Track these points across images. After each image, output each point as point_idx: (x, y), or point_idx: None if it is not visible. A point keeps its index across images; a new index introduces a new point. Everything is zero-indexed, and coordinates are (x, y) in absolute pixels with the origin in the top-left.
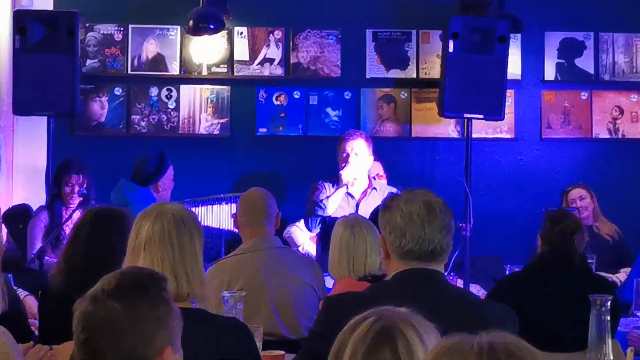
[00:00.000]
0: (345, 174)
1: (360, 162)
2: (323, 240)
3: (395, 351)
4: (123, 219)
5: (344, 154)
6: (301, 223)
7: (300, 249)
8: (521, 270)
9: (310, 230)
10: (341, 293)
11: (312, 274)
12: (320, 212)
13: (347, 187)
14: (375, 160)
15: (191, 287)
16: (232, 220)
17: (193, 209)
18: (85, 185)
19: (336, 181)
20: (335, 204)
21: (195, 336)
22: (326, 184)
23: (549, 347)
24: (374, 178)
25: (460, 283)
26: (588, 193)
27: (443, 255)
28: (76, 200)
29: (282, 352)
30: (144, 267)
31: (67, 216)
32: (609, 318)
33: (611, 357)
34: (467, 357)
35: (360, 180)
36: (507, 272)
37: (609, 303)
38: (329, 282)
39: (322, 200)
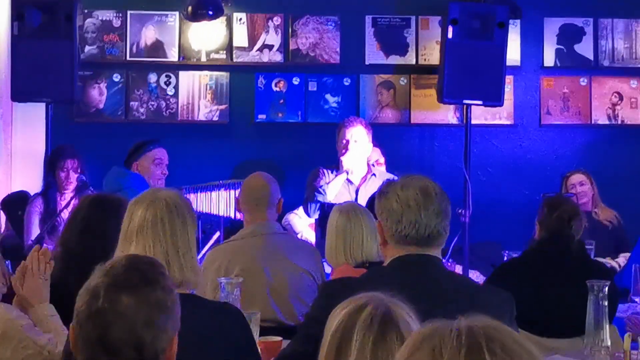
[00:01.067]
0: (346, 161)
1: (359, 149)
2: (322, 227)
3: (401, 336)
4: (119, 205)
5: (344, 141)
6: (299, 211)
7: (299, 236)
8: (519, 256)
9: (309, 215)
10: (337, 279)
11: (311, 261)
12: (320, 198)
13: (348, 173)
14: (374, 146)
15: (184, 275)
16: (235, 204)
17: (191, 196)
18: (79, 170)
19: (336, 168)
20: (335, 190)
21: (190, 322)
22: (326, 171)
23: (546, 332)
24: (373, 165)
25: (459, 269)
26: (588, 179)
27: (440, 240)
28: (72, 185)
29: (280, 338)
30: (142, 255)
31: (63, 202)
32: (606, 304)
33: (608, 343)
34: (446, 342)
35: (359, 166)
36: (505, 258)
37: (606, 289)
38: (328, 269)
39: (322, 186)
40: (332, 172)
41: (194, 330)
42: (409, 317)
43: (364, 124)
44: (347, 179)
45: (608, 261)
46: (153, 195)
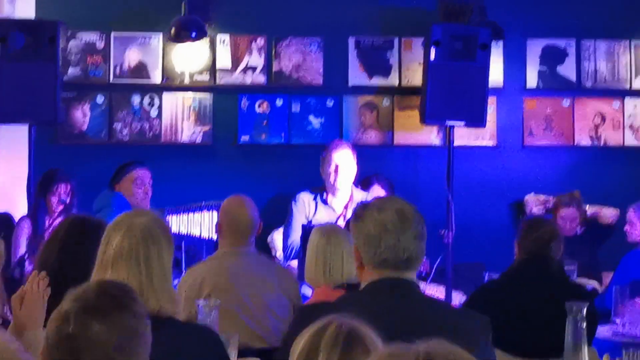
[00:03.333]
0: (335, 202)
1: (347, 173)
2: (304, 248)
3: (367, 351)
4: (98, 227)
5: (329, 165)
6: (281, 230)
7: (278, 254)
8: (498, 277)
9: (286, 259)
10: (312, 303)
11: (286, 282)
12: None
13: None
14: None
15: (160, 304)
16: (215, 228)
17: (174, 217)
18: (69, 194)
19: (319, 191)
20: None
21: (164, 344)
22: (305, 200)
23: (525, 354)
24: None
25: (442, 290)
26: (579, 213)
27: (417, 263)
28: (58, 209)
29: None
30: (118, 281)
31: (49, 225)
32: (584, 325)
33: None
34: None
35: (342, 191)
36: (486, 279)
37: (585, 310)
38: (308, 291)
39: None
40: (313, 197)
41: (170, 354)
42: (374, 335)
43: (350, 148)
44: (329, 204)
45: (590, 282)
46: (129, 222)
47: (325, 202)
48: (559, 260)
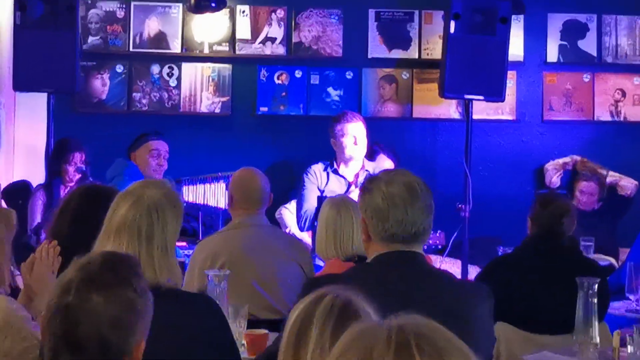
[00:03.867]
0: (346, 172)
1: (363, 144)
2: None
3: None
4: (110, 195)
5: (341, 137)
6: (291, 205)
7: (287, 231)
8: (510, 252)
9: (301, 230)
10: (320, 276)
11: (299, 253)
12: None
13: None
14: (386, 157)
15: (157, 277)
16: (228, 199)
17: (191, 187)
18: (85, 164)
19: (331, 164)
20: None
21: (164, 313)
22: (311, 175)
23: (536, 329)
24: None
25: (458, 264)
26: (597, 187)
27: (425, 236)
28: (75, 178)
29: (266, 331)
30: (124, 254)
31: (65, 194)
32: (595, 301)
33: (597, 340)
34: (377, 340)
35: (356, 161)
36: (500, 254)
37: (596, 286)
38: (320, 264)
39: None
40: (324, 168)
41: (168, 321)
42: (369, 308)
43: (362, 120)
44: (340, 174)
45: (607, 258)
46: (139, 193)
47: (336, 172)
48: (572, 236)
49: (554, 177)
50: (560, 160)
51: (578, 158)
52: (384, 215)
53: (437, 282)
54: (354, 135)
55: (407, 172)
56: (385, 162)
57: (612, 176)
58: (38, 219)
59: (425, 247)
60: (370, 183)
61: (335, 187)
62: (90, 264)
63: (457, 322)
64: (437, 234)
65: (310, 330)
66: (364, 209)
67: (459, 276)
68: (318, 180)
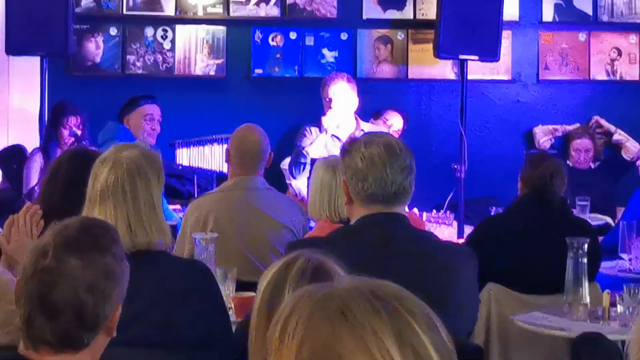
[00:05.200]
0: (326, 121)
1: (343, 104)
2: None
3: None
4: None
5: (327, 99)
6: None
7: (289, 183)
8: (501, 212)
9: (294, 177)
10: (303, 239)
11: (293, 216)
12: (302, 160)
13: (327, 133)
14: (396, 112)
15: (150, 237)
16: (225, 155)
17: (185, 150)
18: (79, 126)
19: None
20: (317, 151)
21: (148, 277)
22: (313, 129)
23: (527, 289)
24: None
25: (454, 224)
26: (592, 144)
27: (406, 197)
28: (69, 141)
29: (253, 294)
30: (101, 220)
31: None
32: (585, 261)
33: (587, 300)
34: (353, 302)
35: (346, 122)
36: (492, 214)
37: (585, 246)
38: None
39: (305, 148)
40: (319, 130)
41: (160, 286)
42: (342, 271)
43: (347, 78)
44: (334, 135)
45: (603, 218)
46: (115, 157)
47: (326, 131)
48: (562, 196)
49: (542, 139)
50: (550, 127)
51: (567, 127)
52: (363, 175)
53: (420, 244)
54: (330, 97)
55: (388, 134)
56: (393, 118)
57: (620, 135)
58: (34, 181)
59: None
60: (349, 145)
61: (330, 148)
62: (67, 229)
63: (439, 283)
64: (447, 214)
65: (283, 293)
66: (344, 170)
67: (454, 237)
68: (314, 136)
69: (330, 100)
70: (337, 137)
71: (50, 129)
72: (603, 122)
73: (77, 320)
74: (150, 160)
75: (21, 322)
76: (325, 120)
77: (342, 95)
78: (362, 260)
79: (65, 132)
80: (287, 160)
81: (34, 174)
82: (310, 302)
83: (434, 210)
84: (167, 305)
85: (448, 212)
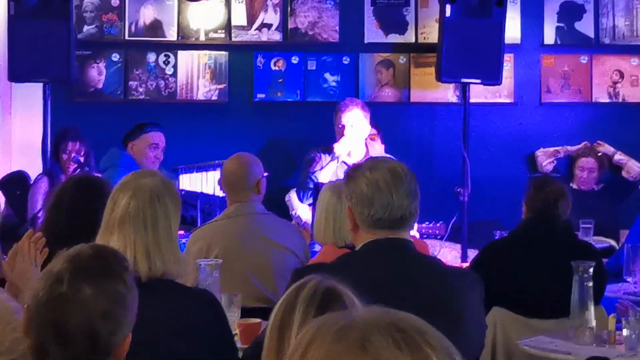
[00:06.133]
0: (339, 148)
1: (356, 133)
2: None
3: (345, 307)
4: (102, 186)
5: (340, 126)
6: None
7: (293, 213)
8: (506, 236)
9: (301, 201)
10: (309, 265)
11: (294, 240)
12: (311, 185)
13: (338, 160)
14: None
15: (166, 266)
16: (219, 185)
17: (188, 176)
18: (82, 153)
19: (331, 151)
20: (327, 176)
21: (161, 306)
22: (322, 155)
23: (532, 313)
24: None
25: (457, 248)
26: (597, 162)
27: (412, 221)
28: (72, 167)
29: (259, 320)
30: (112, 248)
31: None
32: (591, 284)
33: (593, 324)
34: (374, 332)
35: (357, 149)
36: (497, 238)
37: (591, 270)
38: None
39: (315, 172)
40: (328, 155)
41: (169, 316)
42: (353, 295)
43: (361, 105)
44: (344, 162)
45: (607, 240)
46: (137, 183)
47: (338, 159)
48: (567, 220)
49: (544, 162)
50: (551, 149)
51: (569, 148)
52: (369, 201)
53: (425, 270)
54: (344, 124)
55: (391, 159)
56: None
57: (620, 155)
58: (39, 206)
59: (425, 236)
60: (354, 171)
61: (340, 175)
62: (80, 256)
63: (446, 310)
64: (438, 225)
65: (294, 315)
66: (349, 196)
67: (458, 261)
68: (323, 162)
69: (343, 127)
70: (347, 164)
71: (52, 156)
72: (603, 144)
73: (91, 348)
74: (170, 189)
75: (32, 349)
76: (337, 147)
77: (356, 123)
78: (369, 287)
79: (65, 158)
80: (291, 192)
81: (39, 198)
82: (331, 331)
83: (426, 222)
84: (177, 334)
85: (440, 223)
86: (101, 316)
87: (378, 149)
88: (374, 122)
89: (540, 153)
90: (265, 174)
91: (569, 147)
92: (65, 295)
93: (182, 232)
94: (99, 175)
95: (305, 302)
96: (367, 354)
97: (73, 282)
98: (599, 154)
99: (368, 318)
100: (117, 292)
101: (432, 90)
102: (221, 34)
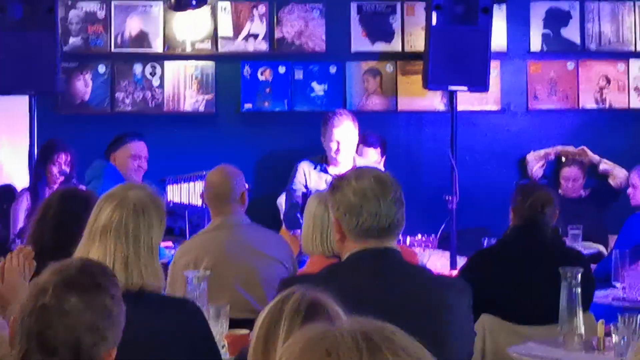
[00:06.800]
0: (334, 170)
1: (350, 146)
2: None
3: (329, 319)
4: (89, 199)
5: (332, 140)
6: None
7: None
8: (494, 244)
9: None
10: (296, 275)
11: (280, 250)
12: (295, 200)
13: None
14: (374, 147)
15: (143, 280)
16: (200, 197)
17: (175, 187)
18: (69, 164)
19: (320, 161)
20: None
21: (143, 317)
22: (306, 169)
23: (521, 320)
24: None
25: (446, 256)
26: (581, 173)
27: (399, 229)
28: (59, 180)
29: (247, 331)
30: (101, 262)
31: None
32: (579, 291)
33: (582, 330)
34: (342, 344)
35: (344, 163)
36: (485, 245)
37: (579, 276)
38: None
39: (297, 191)
40: (314, 166)
41: (153, 327)
42: (337, 306)
43: (351, 117)
44: (329, 173)
45: (595, 246)
46: (123, 195)
47: (326, 171)
48: (555, 226)
49: (535, 167)
50: (542, 151)
51: (560, 148)
52: (357, 210)
53: (413, 279)
54: (337, 140)
55: (374, 168)
56: (368, 151)
57: (605, 163)
58: (21, 223)
59: (416, 243)
60: (339, 181)
61: (324, 186)
62: (68, 268)
63: (434, 318)
64: (431, 238)
65: (279, 327)
66: (335, 207)
67: (447, 268)
68: (305, 178)
69: (338, 143)
70: (332, 175)
71: (38, 168)
72: (588, 152)
73: (74, 359)
74: (156, 203)
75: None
76: (332, 170)
77: (349, 137)
78: (356, 296)
79: (55, 170)
80: (281, 196)
81: (21, 215)
82: (303, 340)
83: (419, 235)
84: (157, 345)
85: (432, 236)
86: (85, 328)
87: (376, 160)
88: (379, 136)
89: (531, 157)
90: (247, 186)
91: (559, 147)
92: (49, 306)
93: (170, 243)
94: (84, 187)
95: (290, 314)
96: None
97: (57, 293)
98: (582, 161)
99: (343, 328)
100: (102, 305)
101: (419, 98)
102: (207, 45)
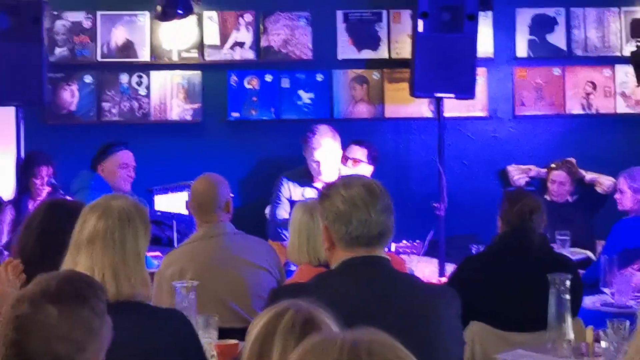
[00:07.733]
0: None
1: (333, 162)
2: None
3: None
4: (76, 209)
5: (315, 162)
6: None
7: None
8: (482, 250)
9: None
10: (286, 285)
11: (267, 258)
12: (280, 217)
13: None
14: (358, 146)
15: (132, 288)
16: (185, 206)
17: (163, 196)
18: (53, 176)
19: (303, 174)
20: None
21: (132, 328)
22: (287, 184)
23: (510, 326)
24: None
25: (435, 263)
26: (569, 176)
27: (388, 237)
28: (44, 192)
29: (236, 341)
30: (88, 275)
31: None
32: (568, 297)
33: (571, 336)
34: (329, 355)
35: (329, 177)
36: (474, 252)
37: (568, 282)
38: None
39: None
40: (294, 183)
41: (137, 336)
42: (330, 321)
43: (331, 133)
44: (314, 187)
45: (583, 252)
46: (107, 204)
47: (311, 185)
48: (542, 233)
49: (515, 177)
50: (523, 166)
51: (542, 170)
52: (346, 218)
53: (402, 288)
54: (318, 160)
55: (363, 176)
56: (356, 153)
57: (590, 175)
58: (5, 236)
59: (401, 250)
60: (328, 189)
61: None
62: (50, 279)
63: (423, 327)
64: (416, 243)
65: (273, 347)
66: (325, 215)
67: (436, 275)
68: (290, 192)
69: (318, 164)
70: (318, 190)
71: (22, 180)
72: (573, 164)
73: None
74: (140, 212)
75: None
76: (323, 177)
77: (330, 156)
78: (346, 306)
79: (38, 182)
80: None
81: (5, 228)
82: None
83: (403, 241)
84: (147, 357)
85: (417, 241)
86: (61, 339)
87: (365, 171)
88: (374, 148)
89: (511, 169)
90: (231, 195)
91: (541, 170)
92: (24, 315)
93: (158, 253)
94: (70, 197)
95: (284, 334)
96: None
97: (35, 302)
98: (570, 167)
99: (336, 338)
100: (81, 317)
101: (406, 105)
102: (194, 54)
